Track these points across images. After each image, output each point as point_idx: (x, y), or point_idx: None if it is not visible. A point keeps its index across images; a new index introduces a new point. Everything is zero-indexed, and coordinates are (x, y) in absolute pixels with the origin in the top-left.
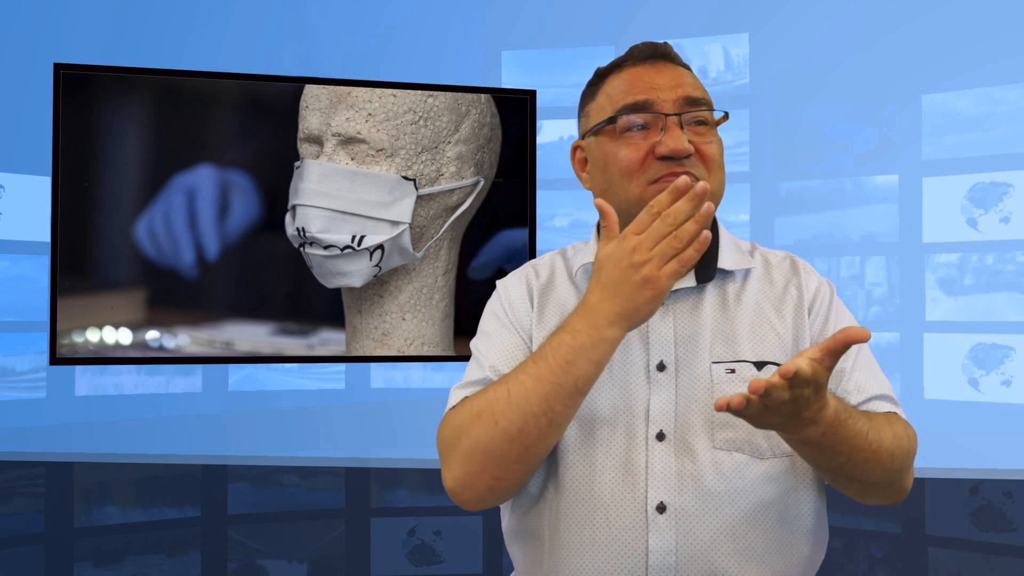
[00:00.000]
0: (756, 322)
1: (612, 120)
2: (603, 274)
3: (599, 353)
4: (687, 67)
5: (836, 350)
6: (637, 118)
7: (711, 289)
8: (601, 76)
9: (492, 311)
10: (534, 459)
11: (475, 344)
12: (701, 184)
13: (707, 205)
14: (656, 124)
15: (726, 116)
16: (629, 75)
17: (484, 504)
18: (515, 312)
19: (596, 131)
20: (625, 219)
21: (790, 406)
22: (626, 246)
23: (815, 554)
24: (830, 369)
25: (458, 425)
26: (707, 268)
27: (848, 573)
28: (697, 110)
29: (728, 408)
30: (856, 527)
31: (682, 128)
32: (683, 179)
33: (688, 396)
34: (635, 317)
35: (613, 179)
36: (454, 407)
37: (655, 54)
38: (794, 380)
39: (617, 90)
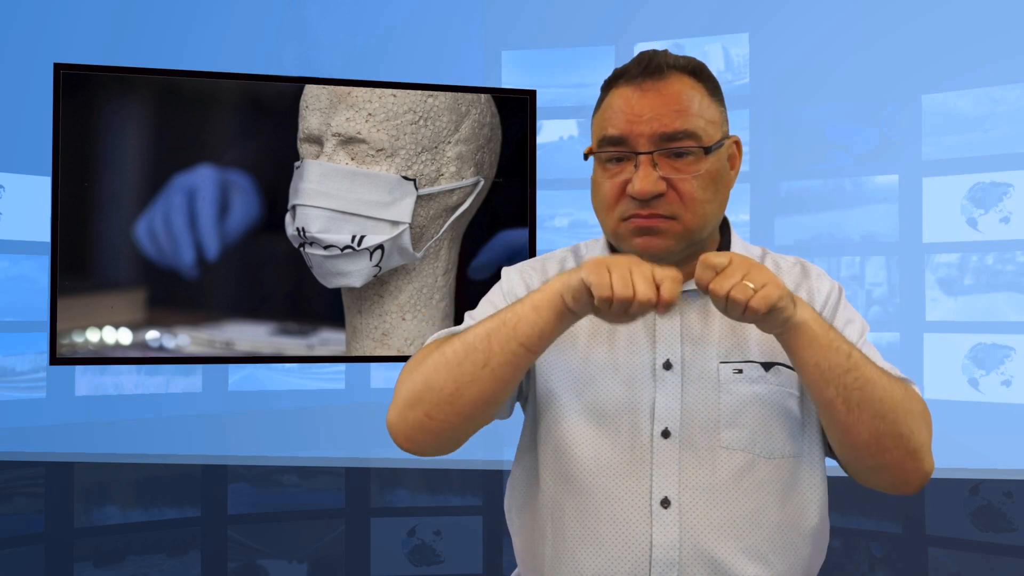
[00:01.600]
0: None
1: (596, 149)
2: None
3: (540, 297)
4: (693, 71)
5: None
6: (614, 151)
7: None
8: (607, 86)
9: (491, 294)
10: (464, 407)
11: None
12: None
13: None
14: (632, 159)
15: (708, 150)
16: (618, 98)
17: (414, 445)
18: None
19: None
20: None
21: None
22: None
23: (816, 555)
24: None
25: (414, 359)
26: None
27: (848, 573)
28: (672, 146)
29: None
30: (856, 527)
31: (655, 166)
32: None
33: (694, 395)
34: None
35: (597, 206)
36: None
37: (646, 70)
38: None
39: (606, 113)
